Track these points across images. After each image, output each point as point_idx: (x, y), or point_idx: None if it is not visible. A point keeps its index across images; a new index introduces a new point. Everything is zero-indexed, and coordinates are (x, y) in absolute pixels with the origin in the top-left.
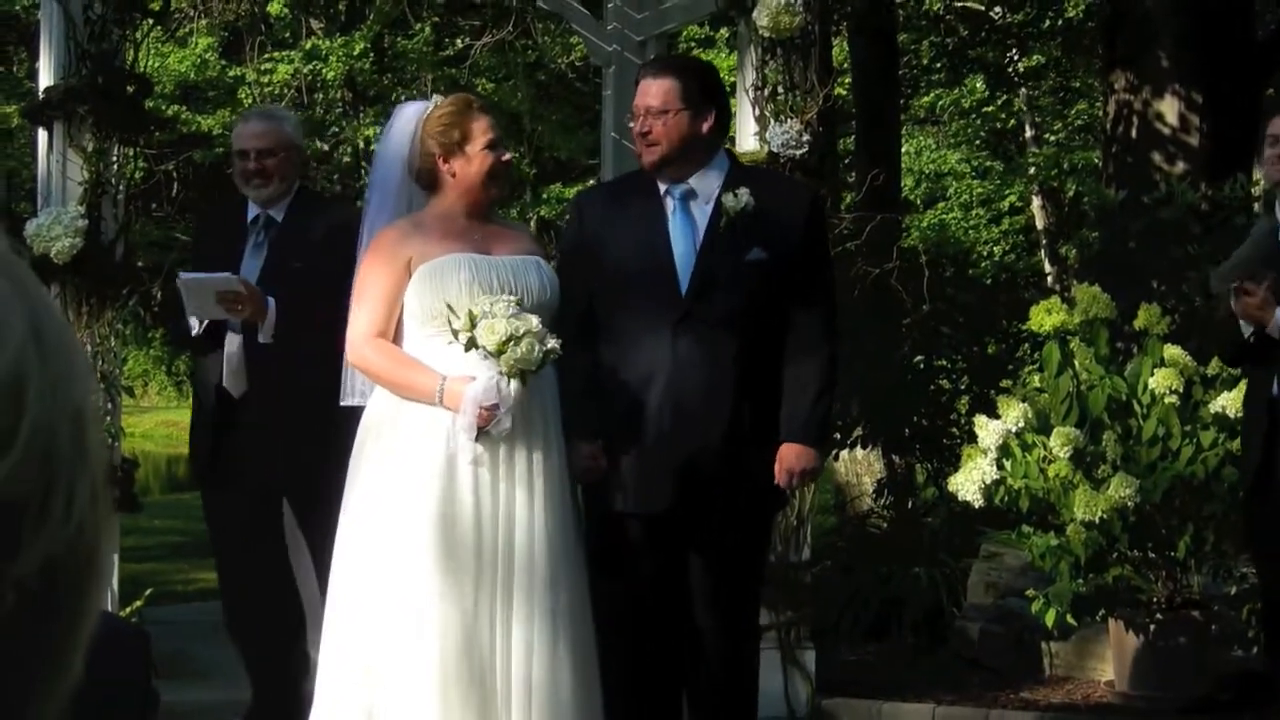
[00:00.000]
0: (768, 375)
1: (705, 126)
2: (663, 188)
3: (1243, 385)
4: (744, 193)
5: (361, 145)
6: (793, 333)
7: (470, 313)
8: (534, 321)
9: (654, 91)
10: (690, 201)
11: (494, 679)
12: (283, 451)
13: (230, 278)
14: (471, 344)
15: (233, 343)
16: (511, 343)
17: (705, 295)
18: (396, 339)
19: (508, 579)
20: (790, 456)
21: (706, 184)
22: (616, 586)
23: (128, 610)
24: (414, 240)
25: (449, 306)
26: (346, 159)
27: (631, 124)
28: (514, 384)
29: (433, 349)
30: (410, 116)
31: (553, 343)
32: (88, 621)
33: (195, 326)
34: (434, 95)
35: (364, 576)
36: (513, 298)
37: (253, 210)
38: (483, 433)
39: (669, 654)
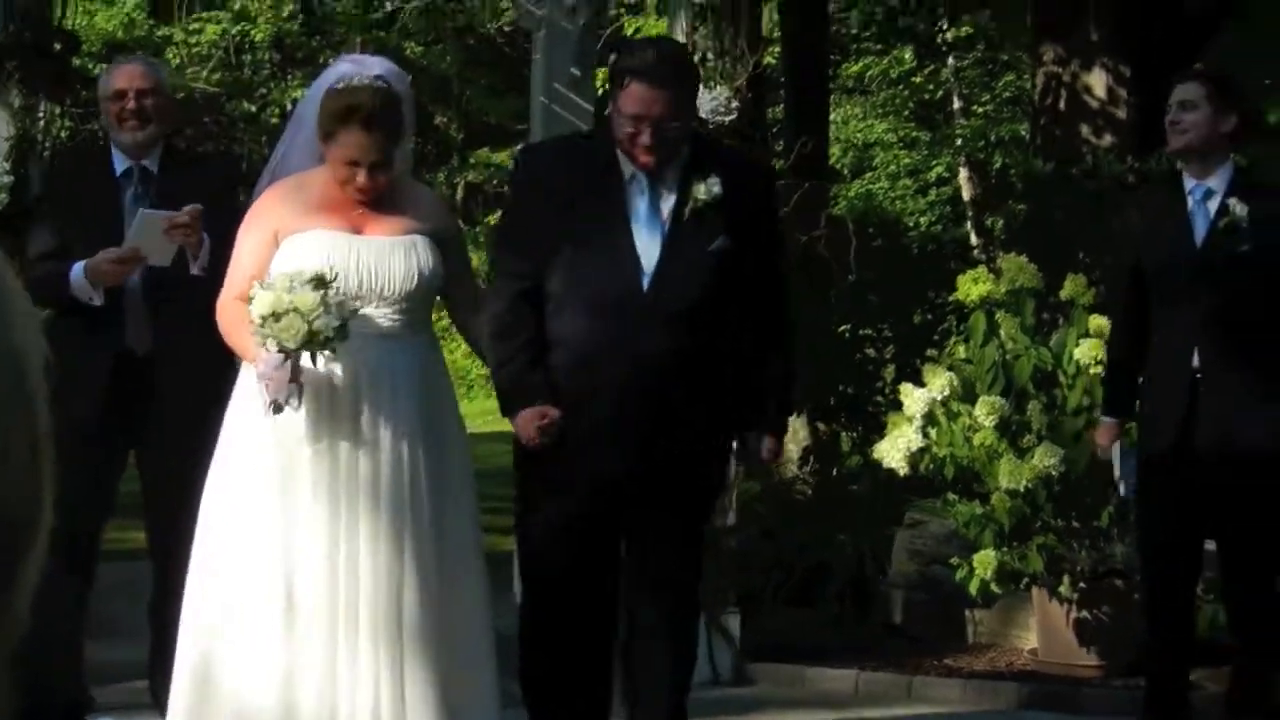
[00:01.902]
0: (721, 362)
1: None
2: (628, 172)
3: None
4: (715, 181)
5: (289, 107)
6: (754, 319)
7: (258, 283)
8: (310, 300)
9: (662, 102)
10: (658, 186)
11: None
12: (188, 408)
13: (188, 208)
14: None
15: (133, 303)
16: (271, 318)
17: (668, 287)
18: None
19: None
20: (773, 445)
21: (673, 168)
22: (550, 560)
23: None
24: (287, 206)
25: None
26: (274, 120)
27: (627, 128)
28: (297, 359)
29: None
30: (324, 83)
31: (321, 323)
32: (27, 578)
33: (96, 298)
34: (360, 57)
35: (211, 530)
36: (320, 271)
37: (122, 162)
38: (276, 405)
39: (600, 625)
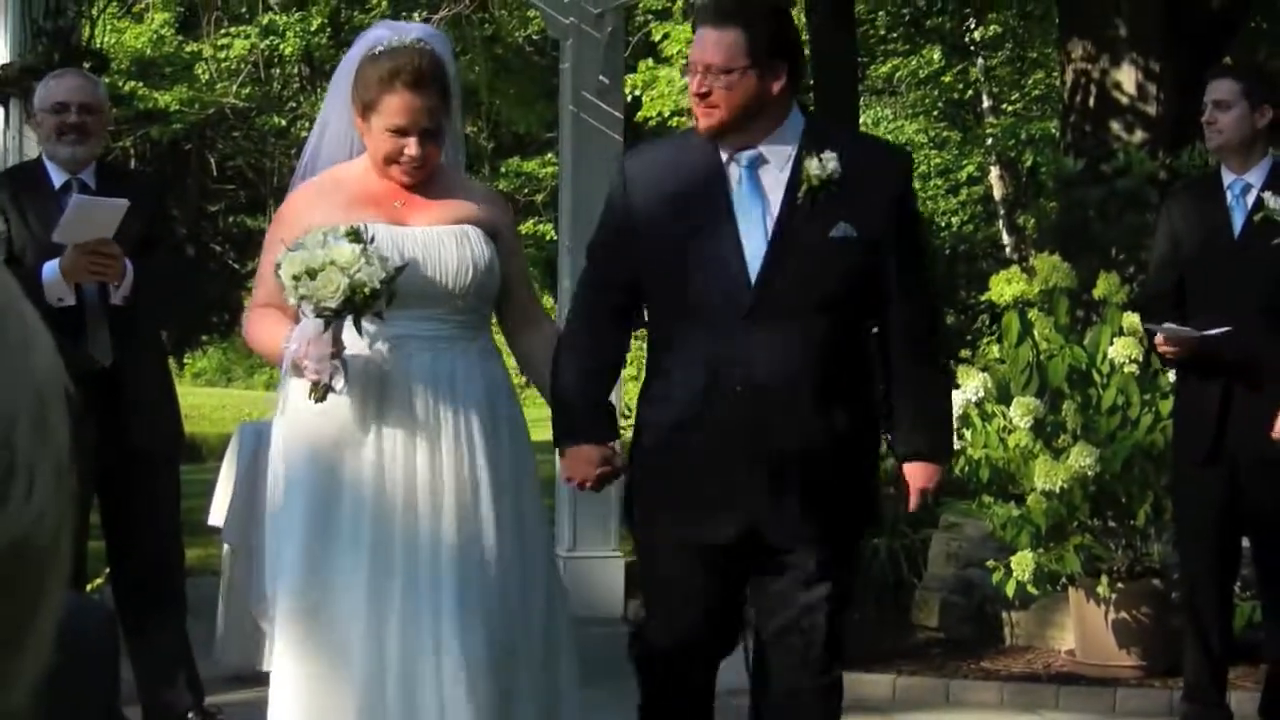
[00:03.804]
0: (857, 373)
1: (776, 87)
2: (725, 155)
3: None
4: (830, 158)
5: None
6: (894, 331)
7: (285, 248)
8: (348, 252)
9: (715, 46)
10: (760, 169)
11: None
12: (150, 417)
13: (122, 203)
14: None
15: (94, 315)
16: (306, 276)
17: (779, 280)
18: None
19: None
20: (921, 476)
21: (779, 148)
22: (667, 622)
23: (90, 587)
24: (321, 207)
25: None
26: (304, 134)
27: (687, 79)
28: (325, 324)
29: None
30: (355, 54)
31: (365, 275)
32: (53, 604)
33: (69, 297)
34: (395, 23)
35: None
36: (355, 226)
37: (59, 176)
38: (319, 390)
39: (709, 690)
